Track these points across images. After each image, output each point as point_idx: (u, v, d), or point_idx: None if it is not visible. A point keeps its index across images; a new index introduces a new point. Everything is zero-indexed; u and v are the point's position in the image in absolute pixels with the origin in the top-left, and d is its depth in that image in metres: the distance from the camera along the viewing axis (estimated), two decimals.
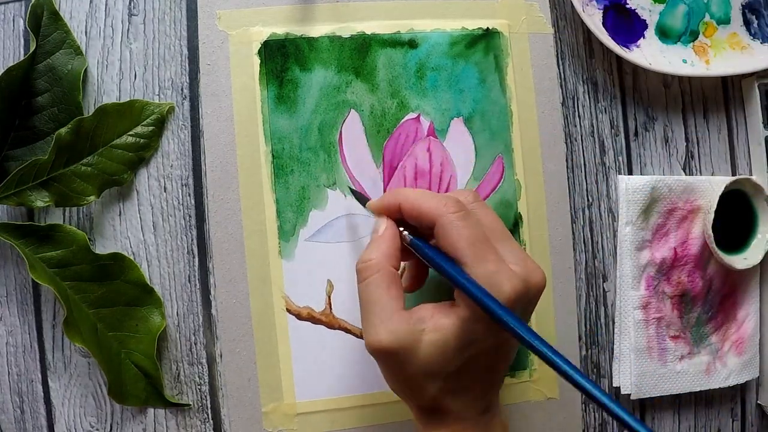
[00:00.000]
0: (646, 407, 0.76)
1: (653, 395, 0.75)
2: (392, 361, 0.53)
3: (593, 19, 0.73)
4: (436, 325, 0.52)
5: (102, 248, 0.67)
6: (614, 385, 0.75)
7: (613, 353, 0.75)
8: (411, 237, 0.58)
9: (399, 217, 0.58)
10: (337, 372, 0.68)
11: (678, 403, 0.77)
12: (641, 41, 0.76)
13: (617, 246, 0.75)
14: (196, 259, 0.68)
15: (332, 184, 0.69)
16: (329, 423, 0.68)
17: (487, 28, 0.72)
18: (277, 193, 0.68)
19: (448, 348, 0.52)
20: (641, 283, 0.75)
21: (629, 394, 0.74)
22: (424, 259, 0.57)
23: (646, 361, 0.74)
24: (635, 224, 0.74)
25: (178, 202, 0.68)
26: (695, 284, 0.76)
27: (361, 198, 0.67)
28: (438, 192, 0.70)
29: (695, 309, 0.77)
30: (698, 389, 0.76)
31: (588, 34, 0.75)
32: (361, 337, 0.68)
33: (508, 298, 0.51)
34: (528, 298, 0.54)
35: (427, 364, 0.52)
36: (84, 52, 0.67)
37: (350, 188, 0.69)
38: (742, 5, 0.78)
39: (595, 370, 0.75)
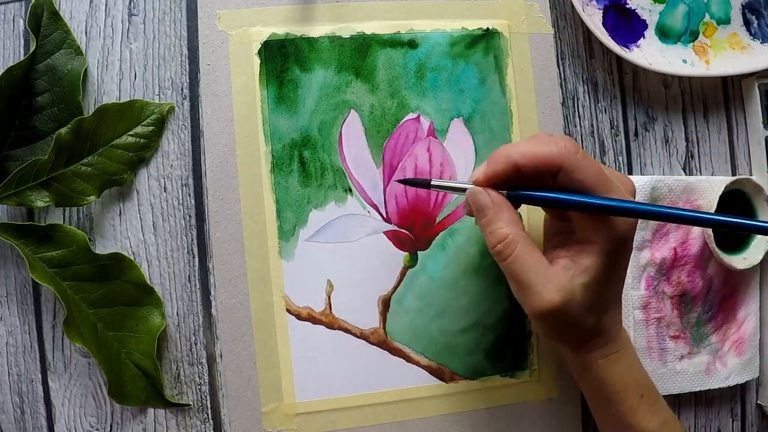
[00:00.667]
0: None
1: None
2: (559, 316, 0.56)
3: (593, 19, 0.74)
4: (581, 268, 0.56)
5: (102, 248, 0.67)
6: None
7: None
8: (527, 192, 0.58)
9: (506, 179, 0.58)
10: (337, 372, 0.68)
11: (678, 403, 0.77)
12: (641, 41, 0.76)
13: None
14: (196, 259, 0.68)
15: (332, 185, 0.69)
16: (329, 423, 0.68)
17: (487, 28, 0.72)
18: (277, 193, 0.68)
19: (598, 281, 0.56)
20: (641, 283, 0.75)
21: None
22: (550, 204, 0.58)
23: (646, 361, 0.74)
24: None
25: (178, 202, 0.68)
26: (695, 284, 0.76)
27: (420, 182, 0.63)
28: (438, 193, 0.70)
29: (695, 309, 0.77)
30: (698, 389, 0.75)
31: (588, 34, 0.75)
32: (360, 337, 0.69)
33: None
34: None
35: (587, 303, 0.56)
36: (84, 52, 0.67)
37: (398, 180, 0.69)
38: (742, 5, 0.78)
39: None
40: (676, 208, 0.55)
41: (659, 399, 0.63)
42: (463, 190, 0.60)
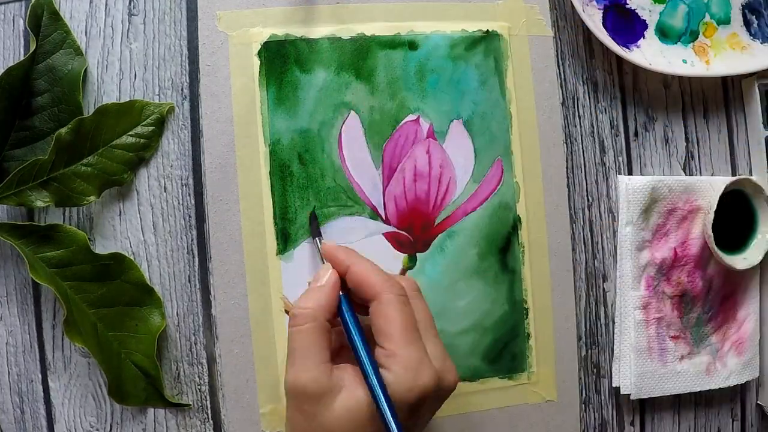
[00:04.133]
0: (646, 407, 0.77)
1: (653, 395, 0.75)
2: (305, 404, 0.54)
3: (593, 19, 0.73)
4: (352, 392, 0.54)
5: (102, 248, 0.67)
6: (614, 385, 0.75)
7: (613, 353, 0.75)
8: (343, 296, 0.58)
9: (343, 275, 0.59)
10: None
11: (678, 403, 0.77)
12: (641, 41, 0.76)
13: (617, 246, 0.75)
14: (196, 259, 0.68)
15: (332, 186, 0.69)
16: None
17: (487, 30, 0.72)
18: (276, 194, 0.68)
19: (360, 418, 0.53)
20: (641, 284, 0.75)
21: (629, 394, 0.74)
22: (342, 322, 0.58)
23: (646, 361, 0.74)
24: (635, 224, 0.74)
25: (178, 202, 0.68)
26: (695, 284, 0.76)
27: (315, 231, 0.67)
28: (438, 193, 0.70)
29: (695, 309, 0.77)
30: (698, 389, 0.76)
31: (588, 34, 0.75)
32: None
33: (424, 388, 0.53)
34: (439, 395, 0.56)
35: (337, 421, 0.53)
36: (84, 52, 0.67)
37: (310, 213, 0.69)
38: (742, 5, 0.78)
39: (594, 370, 0.75)
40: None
41: None
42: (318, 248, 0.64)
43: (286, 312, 0.68)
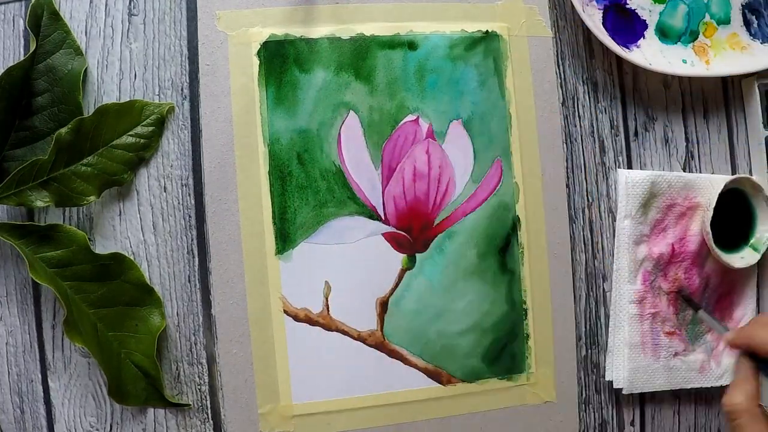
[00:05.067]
0: (646, 405, 0.76)
1: (645, 390, 0.75)
2: None
3: (593, 20, 0.73)
4: None
5: (102, 248, 0.68)
6: (607, 379, 0.75)
7: (606, 347, 0.75)
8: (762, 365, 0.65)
9: (755, 349, 0.65)
10: (334, 374, 0.69)
11: (678, 402, 0.77)
12: (641, 41, 0.76)
13: (615, 239, 0.75)
14: (196, 259, 0.68)
15: (331, 186, 0.69)
16: (326, 425, 0.68)
17: (487, 30, 0.72)
18: (275, 194, 0.68)
19: None
20: (638, 278, 0.75)
21: (621, 389, 0.74)
22: None
23: (639, 356, 0.74)
24: (634, 218, 0.74)
25: (178, 202, 0.68)
26: (692, 281, 0.76)
27: (695, 306, 0.76)
28: (437, 193, 0.70)
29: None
30: (690, 386, 0.76)
31: (588, 34, 0.75)
32: (358, 338, 0.69)
33: None
34: None
35: None
36: (84, 52, 0.67)
37: (683, 296, 0.76)
38: (742, 5, 0.78)
39: (594, 370, 0.75)
40: None
41: None
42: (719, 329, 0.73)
43: (285, 312, 0.68)
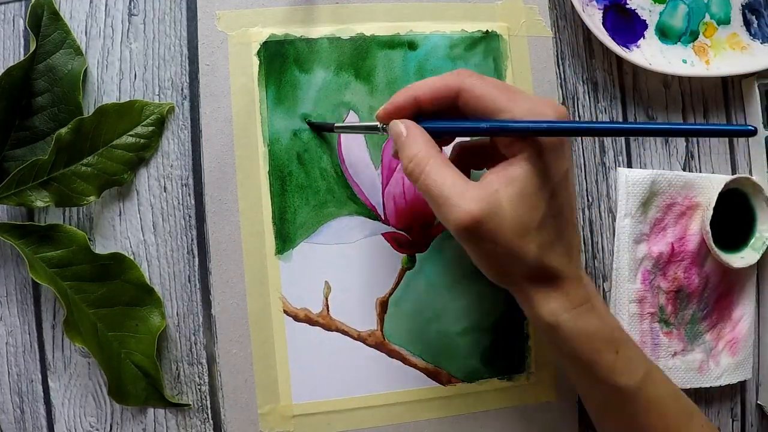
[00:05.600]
0: None
1: None
2: (485, 231, 0.52)
3: (593, 19, 0.73)
4: (507, 178, 0.53)
5: (102, 248, 0.68)
6: None
7: None
8: (433, 123, 0.58)
9: (410, 114, 0.58)
10: (334, 374, 0.69)
11: None
12: (641, 41, 0.76)
13: (615, 238, 0.75)
14: (196, 259, 0.68)
15: (330, 186, 0.69)
16: (326, 425, 0.68)
17: (487, 30, 0.72)
18: (275, 194, 0.68)
19: (529, 193, 0.53)
20: (637, 277, 0.75)
21: None
22: (461, 131, 0.58)
23: None
24: (634, 217, 0.74)
25: (178, 202, 0.68)
26: (691, 281, 0.76)
27: (324, 126, 0.69)
28: None
29: (690, 306, 0.77)
30: (689, 386, 0.76)
31: (588, 34, 0.75)
32: (357, 339, 0.69)
33: (560, 110, 0.54)
34: None
35: (517, 218, 0.52)
36: (84, 52, 0.67)
37: (308, 121, 0.69)
38: (742, 5, 0.78)
39: None
40: (577, 122, 0.55)
41: (637, 350, 0.60)
42: (367, 127, 0.63)
43: (285, 313, 0.68)
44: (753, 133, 0.47)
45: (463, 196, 0.52)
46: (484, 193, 0.52)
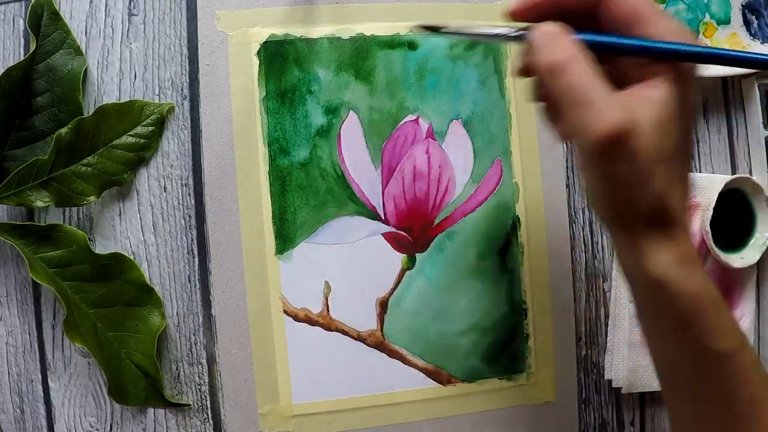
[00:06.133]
0: (646, 405, 0.76)
1: (644, 390, 0.75)
2: (625, 147, 0.46)
3: None
4: (647, 100, 0.47)
5: (102, 248, 0.68)
6: (606, 377, 0.75)
7: (606, 345, 0.75)
8: (588, 34, 0.49)
9: (548, 15, 0.50)
10: (334, 374, 0.69)
11: None
12: None
13: None
14: (196, 259, 0.68)
15: (330, 186, 0.69)
16: (326, 425, 0.68)
17: None
18: (275, 194, 0.68)
19: (668, 119, 0.47)
20: None
21: (620, 388, 0.74)
22: (607, 47, 0.50)
23: (639, 355, 0.74)
24: None
25: (178, 202, 0.68)
26: None
27: (434, 26, 0.54)
28: (437, 193, 0.70)
29: None
30: None
31: None
32: (357, 338, 0.69)
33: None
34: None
35: (656, 142, 0.47)
36: (84, 52, 0.67)
37: (420, 26, 0.54)
38: (742, 5, 0.77)
39: (594, 369, 0.75)
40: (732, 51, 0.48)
41: (733, 317, 0.54)
42: (489, 35, 0.52)
43: (285, 313, 0.68)
44: None
45: (609, 103, 0.46)
46: (630, 101, 0.47)
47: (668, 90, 0.47)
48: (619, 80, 0.49)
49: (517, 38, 0.51)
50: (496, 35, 0.51)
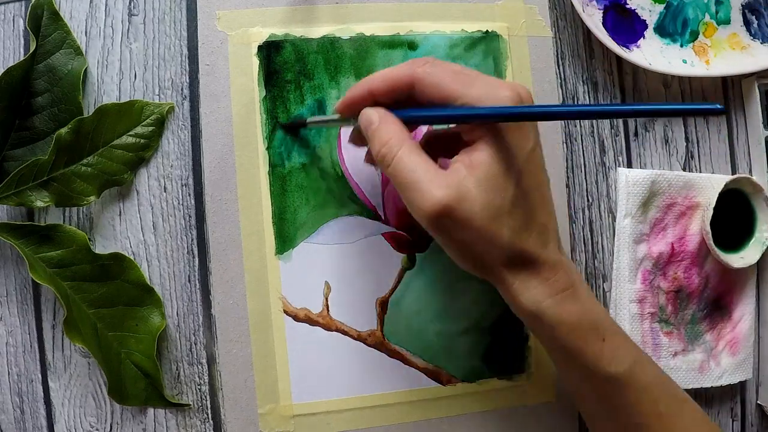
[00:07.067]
0: None
1: None
2: (455, 218, 0.51)
3: (593, 19, 0.73)
4: (472, 163, 0.52)
5: (102, 248, 0.68)
6: None
7: None
8: (400, 111, 0.56)
9: (364, 104, 0.58)
10: (334, 374, 0.69)
11: None
12: (641, 41, 0.76)
13: (615, 238, 0.75)
14: (196, 259, 0.68)
15: (330, 186, 0.69)
16: (326, 425, 0.68)
17: (487, 30, 0.72)
18: (275, 194, 0.68)
19: (495, 176, 0.52)
20: (637, 277, 0.75)
21: None
22: (421, 120, 0.57)
23: None
24: (634, 217, 0.74)
25: (178, 202, 0.68)
26: (691, 281, 0.76)
27: (298, 120, 0.68)
28: None
29: (690, 306, 0.77)
30: (690, 386, 0.76)
31: (588, 34, 0.75)
32: (357, 338, 0.69)
33: (511, 103, 0.52)
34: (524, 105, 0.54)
35: (486, 202, 0.51)
36: (84, 52, 0.67)
37: (280, 123, 0.69)
38: (742, 5, 0.78)
39: None
40: (536, 106, 0.54)
41: (624, 338, 0.59)
42: (338, 120, 0.62)
43: (285, 313, 0.68)
44: (721, 111, 0.45)
45: (434, 182, 0.51)
46: (452, 179, 0.52)
47: (488, 151, 0.52)
48: (463, 143, 0.55)
49: (351, 122, 0.60)
50: (337, 120, 0.62)
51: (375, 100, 0.57)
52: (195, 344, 0.68)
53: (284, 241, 0.68)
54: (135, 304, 0.66)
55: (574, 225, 0.75)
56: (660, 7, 0.76)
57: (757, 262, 0.76)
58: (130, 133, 0.67)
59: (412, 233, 0.70)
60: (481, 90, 0.52)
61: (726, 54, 0.77)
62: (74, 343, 0.63)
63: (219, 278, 0.68)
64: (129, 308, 0.66)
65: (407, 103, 0.57)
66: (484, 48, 0.72)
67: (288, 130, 0.69)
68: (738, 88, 0.80)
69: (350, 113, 0.59)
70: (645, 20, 0.76)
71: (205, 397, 0.68)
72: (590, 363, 0.56)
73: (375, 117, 0.56)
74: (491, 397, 0.71)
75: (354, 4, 0.70)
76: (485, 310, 0.71)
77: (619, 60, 0.76)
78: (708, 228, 0.73)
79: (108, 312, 0.66)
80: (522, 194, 0.53)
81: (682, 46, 0.77)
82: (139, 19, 0.69)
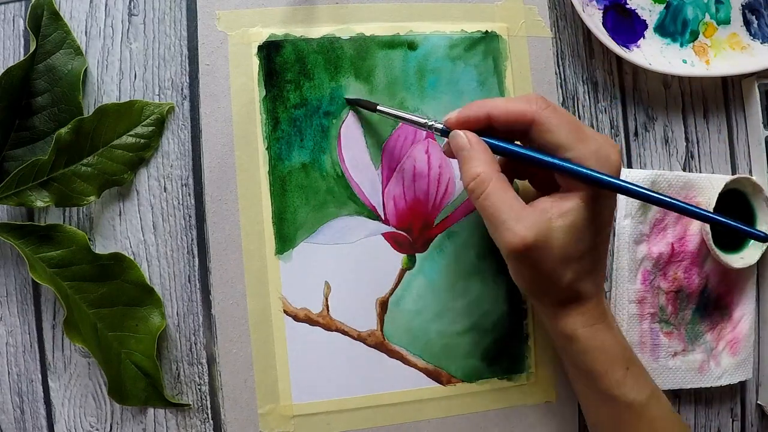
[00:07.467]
0: None
1: None
2: (534, 255, 0.56)
3: (593, 19, 0.73)
4: (560, 211, 0.56)
5: (102, 248, 0.68)
6: None
7: None
8: (501, 142, 0.59)
9: (478, 128, 0.60)
10: (334, 374, 0.68)
11: (677, 402, 0.77)
12: (641, 41, 0.76)
13: (615, 238, 0.75)
14: (196, 259, 0.68)
15: (330, 186, 0.69)
16: (326, 425, 0.68)
17: (486, 31, 0.72)
18: (275, 194, 0.68)
19: (579, 228, 0.57)
20: (637, 277, 0.75)
21: None
22: (526, 159, 0.59)
23: (638, 355, 0.74)
24: (634, 217, 0.74)
25: (178, 202, 0.68)
26: (691, 281, 0.76)
27: (366, 102, 0.68)
28: (437, 193, 0.70)
29: (690, 306, 0.77)
30: (689, 386, 0.75)
31: (588, 34, 0.75)
32: (357, 339, 0.69)
33: (617, 166, 0.57)
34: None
35: (564, 248, 0.56)
36: (84, 52, 0.67)
37: (346, 98, 0.70)
38: (742, 5, 0.78)
39: None
40: (656, 194, 0.56)
41: (644, 371, 0.63)
42: (415, 121, 0.63)
43: (285, 313, 0.68)
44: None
45: (518, 220, 0.55)
46: (538, 219, 0.56)
47: (582, 205, 0.57)
48: (547, 179, 0.62)
49: (441, 132, 0.62)
50: (423, 124, 0.63)
51: (489, 125, 0.60)
52: (195, 344, 0.68)
53: (284, 241, 0.68)
54: (135, 304, 0.66)
55: None
56: (660, 7, 0.76)
57: (757, 263, 0.76)
58: (130, 133, 0.67)
59: (411, 233, 0.70)
60: (592, 147, 0.57)
61: (726, 54, 0.77)
62: (74, 343, 0.63)
63: (219, 278, 0.68)
64: (129, 308, 0.66)
65: (513, 136, 0.61)
66: (484, 48, 0.72)
67: (352, 103, 0.70)
68: (738, 88, 0.80)
69: (459, 128, 0.60)
70: (645, 20, 0.76)
71: (205, 397, 0.68)
72: (612, 388, 0.60)
73: (466, 142, 0.59)
74: (491, 397, 0.71)
75: (354, 4, 0.70)
76: (485, 310, 0.71)
77: (619, 60, 0.76)
78: (708, 228, 0.73)
79: (108, 312, 0.66)
80: (595, 245, 0.59)
81: (682, 46, 0.77)
82: (139, 19, 0.69)
